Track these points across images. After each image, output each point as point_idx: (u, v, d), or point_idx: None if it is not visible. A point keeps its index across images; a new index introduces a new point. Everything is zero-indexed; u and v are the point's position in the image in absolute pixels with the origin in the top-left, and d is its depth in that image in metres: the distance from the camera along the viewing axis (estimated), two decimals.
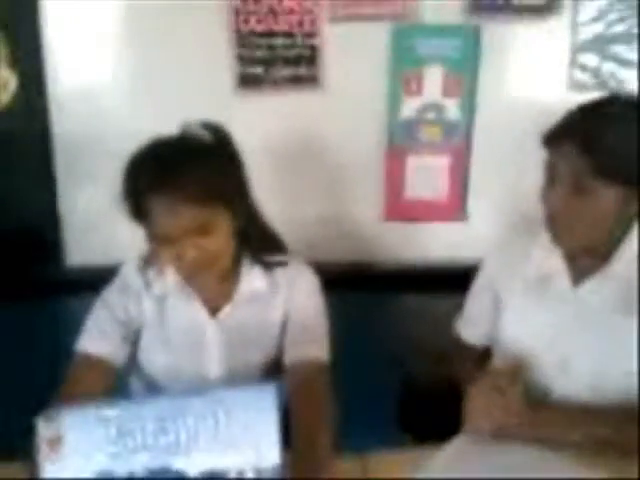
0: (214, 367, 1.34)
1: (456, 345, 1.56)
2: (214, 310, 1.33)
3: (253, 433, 0.91)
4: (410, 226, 2.07)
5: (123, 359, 1.29)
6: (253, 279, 1.33)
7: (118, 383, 1.32)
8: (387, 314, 2.00)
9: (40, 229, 1.99)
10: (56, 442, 0.87)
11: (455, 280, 1.92)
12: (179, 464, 0.90)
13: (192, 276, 1.25)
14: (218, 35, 1.87)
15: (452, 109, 1.96)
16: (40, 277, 1.98)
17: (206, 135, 1.22)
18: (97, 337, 1.27)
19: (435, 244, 2.09)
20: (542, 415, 1.21)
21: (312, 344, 1.32)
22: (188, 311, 1.32)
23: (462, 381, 1.35)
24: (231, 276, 1.32)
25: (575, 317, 1.30)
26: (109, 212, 1.89)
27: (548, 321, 1.33)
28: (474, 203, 2.08)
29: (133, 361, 1.36)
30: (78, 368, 1.25)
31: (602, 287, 1.28)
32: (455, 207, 2.06)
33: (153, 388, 1.38)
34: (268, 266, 1.34)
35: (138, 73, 1.92)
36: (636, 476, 1.09)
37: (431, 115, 1.97)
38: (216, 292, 1.33)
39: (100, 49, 1.90)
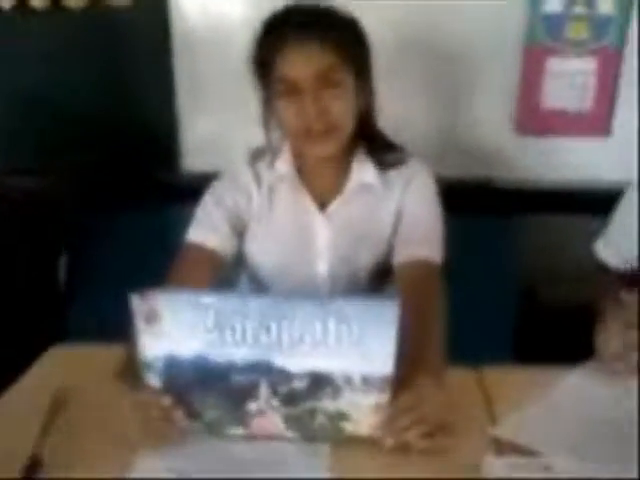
0: (322, 263, 1.30)
1: (595, 269, 1.40)
2: (323, 204, 1.29)
3: (367, 346, 0.84)
4: (545, 140, 1.86)
5: (232, 252, 1.28)
6: (365, 173, 1.27)
7: (225, 278, 1.30)
8: (515, 236, 1.83)
9: (159, 135, 1.97)
10: (152, 317, 0.84)
11: (591, 202, 1.75)
12: (280, 361, 0.85)
13: (310, 144, 1.19)
14: None
15: (605, 2, 1.70)
16: (158, 183, 1.98)
17: None
18: (206, 228, 1.26)
19: (573, 161, 1.87)
20: None
21: (424, 244, 1.24)
22: (297, 203, 1.29)
23: (600, 310, 1.21)
24: (342, 167, 1.27)
25: None
26: (228, 120, 1.92)
27: None
28: (621, 116, 1.82)
29: (241, 258, 1.34)
30: (186, 258, 1.24)
31: None
32: (600, 119, 1.82)
33: (260, 288, 1.35)
34: (382, 164, 1.27)
35: None
36: None
37: (579, 9, 1.72)
38: (326, 183, 1.28)
39: None
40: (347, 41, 1.16)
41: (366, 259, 1.30)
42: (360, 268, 1.30)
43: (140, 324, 0.85)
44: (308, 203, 1.28)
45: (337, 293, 1.30)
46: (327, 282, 1.31)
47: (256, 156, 1.32)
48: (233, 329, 0.83)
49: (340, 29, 1.16)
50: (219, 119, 1.95)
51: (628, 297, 1.11)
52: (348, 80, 1.17)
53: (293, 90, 1.14)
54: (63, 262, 1.83)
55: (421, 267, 1.22)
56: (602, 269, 1.39)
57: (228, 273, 1.34)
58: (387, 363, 0.85)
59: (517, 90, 1.82)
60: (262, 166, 1.30)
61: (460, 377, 1.09)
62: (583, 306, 1.35)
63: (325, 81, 1.13)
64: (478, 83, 1.83)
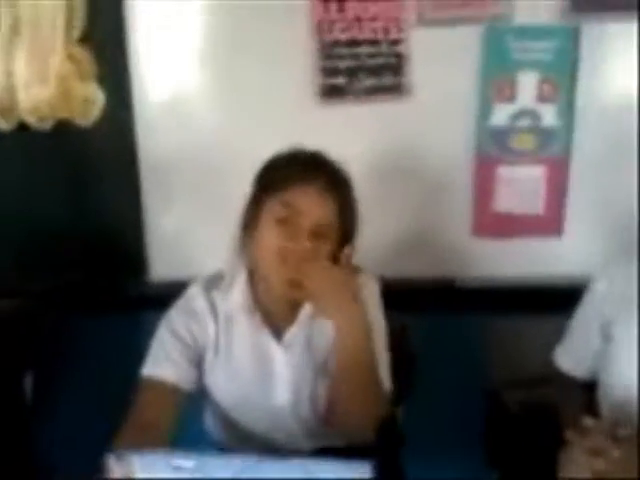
0: (282, 393, 1.29)
1: (555, 375, 1.44)
2: (278, 332, 1.29)
3: None
4: (501, 242, 1.94)
5: (193, 384, 1.26)
6: None
7: (190, 410, 1.29)
8: (474, 335, 1.89)
9: (126, 244, 2.01)
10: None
11: (548, 300, 1.81)
12: None
13: (285, 269, 1.20)
14: (301, 45, 1.83)
15: (548, 116, 1.83)
16: (125, 291, 2.00)
17: None
18: (164, 362, 1.24)
19: (528, 261, 1.95)
20: None
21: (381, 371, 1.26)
22: (254, 334, 1.29)
23: (561, 417, 1.26)
24: None
25: None
26: (194, 227, 1.97)
27: None
28: (571, 217, 1.92)
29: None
30: (145, 394, 1.22)
31: None
32: (551, 221, 1.91)
33: (225, 421, 1.34)
34: None
35: (223, 86, 1.90)
36: None
37: (525, 122, 1.84)
38: (281, 311, 1.29)
39: (185, 63, 1.90)
40: (348, 202, 1.25)
41: (326, 382, 1.29)
42: (321, 393, 1.30)
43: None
44: (265, 333, 1.28)
45: (300, 422, 1.31)
46: (289, 412, 1.30)
47: (211, 283, 1.31)
48: None
49: (345, 188, 1.26)
50: (186, 225, 1.99)
51: (590, 422, 1.11)
52: (334, 235, 1.23)
53: (293, 218, 1.19)
54: (29, 380, 1.81)
55: None
56: (562, 377, 1.43)
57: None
58: None
59: (472, 196, 1.91)
60: (217, 295, 1.29)
61: None
62: (547, 410, 1.39)
63: (321, 228, 1.20)
64: (438, 191, 1.92)
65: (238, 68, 1.86)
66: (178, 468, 0.83)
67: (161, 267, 2.04)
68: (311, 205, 1.19)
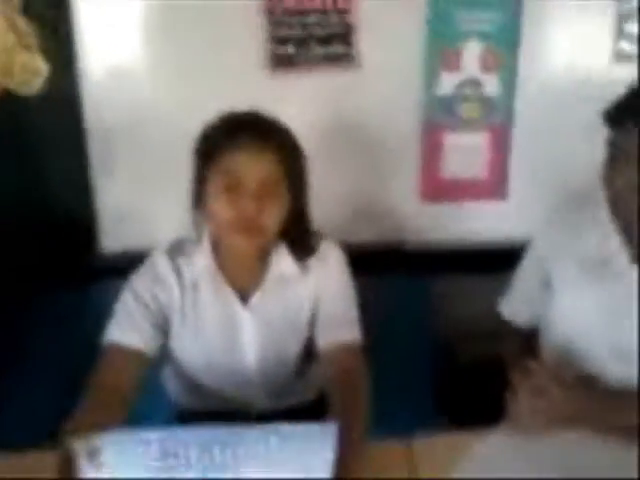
0: (249, 356, 1.34)
1: (500, 326, 1.53)
2: (245, 297, 1.32)
3: (307, 466, 0.88)
4: (448, 206, 2.02)
5: (156, 349, 1.26)
6: (283, 264, 1.32)
7: (151, 375, 1.31)
8: (424, 296, 1.96)
9: (75, 218, 1.99)
10: (94, 454, 0.85)
11: (495, 260, 1.90)
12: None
13: (239, 237, 1.21)
14: (250, 15, 1.82)
15: (491, 84, 1.89)
16: (76, 265, 1.99)
17: None
18: (127, 327, 1.24)
19: (474, 224, 2.03)
20: (592, 406, 1.18)
21: (345, 326, 1.32)
22: (219, 298, 1.31)
23: (507, 364, 1.33)
24: (262, 260, 1.31)
25: (633, 298, 1.26)
26: (144, 198, 1.96)
27: (605, 303, 1.28)
28: (515, 181, 2.01)
29: (166, 353, 1.35)
30: (108, 359, 1.21)
31: None
32: (495, 185, 2.00)
33: (189, 383, 1.38)
34: (301, 253, 1.32)
35: (170, 58, 1.88)
36: None
37: (469, 91, 1.90)
38: (246, 276, 1.31)
39: (132, 34, 1.86)
40: (289, 154, 1.23)
41: (292, 346, 1.35)
42: (287, 355, 1.35)
43: (82, 462, 0.85)
44: (231, 297, 1.30)
45: (266, 383, 1.36)
46: (256, 373, 1.35)
47: (175, 249, 1.31)
48: (177, 456, 0.85)
49: (284, 141, 1.23)
50: (135, 197, 1.99)
51: (534, 365, 1.19)
52: (285, 189, 1.22)
53: (235, 185, 1.18)
54: None
55: (345, 350, 1.29)
56: (507, 327, 1.51)
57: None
58: None
59: (419, 162, 1.97)
60: (182, 261, 1.29)
61: (387, 450, 1.15)
62: (497, 361, 1.48)
63: (266, 187, 1.19)
64: (386, 158, 1.97)
65: (186, 39, 1.84)
66: (147, 442, 0.85)
67: (112, 239, 2.03)
68: (251, 168, 1.19)
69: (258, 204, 1.18)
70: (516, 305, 1.50)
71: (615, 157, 1.18)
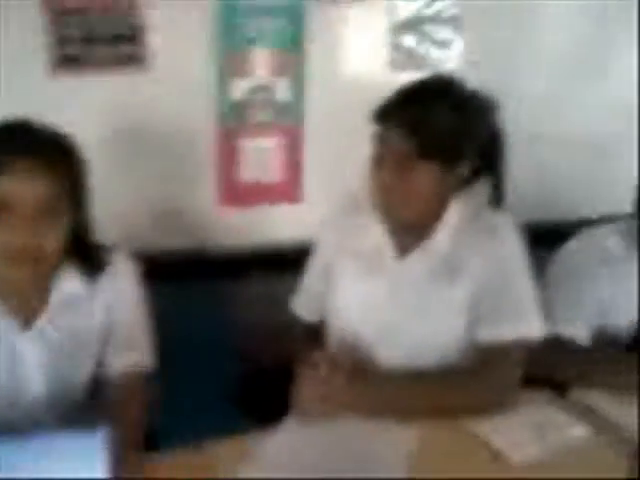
0: (35, 385, 1.25)
1: (291, 323, 1.59)
2: (29, 321, 1.22)
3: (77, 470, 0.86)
4: (246, 210, 2.04)
5: None
6: (69, 284, 1.24)
7: None
8: (226, 300, 1.98)
9: None
10: None
11: (294, 261, 1.95)
12: None
13: (12, 268, 1.12)
14: (30, 14, 1.70)
15: (281, 89, 1.95)
16: None
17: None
18: None
19: (273, 227, 2.08)
20: (368, 391, 1.26)
21: (134, 351, 1.31)
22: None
23: (294, 359, 1.37)
24: (45, 280, 1.22)
25: (398, 287, 1.37)
26: None
27: (372, 291, 1.40)
28: (310, 183, 2.08)
29: None
30: None
31: (423, 260, 1.35)
32: (290, 189, 2.06)
33: None
34: (90, 269, 1.26)
35: None
36: None
37: (260, 96, 1.94)
38: (29, 299, 1.22)
39: None
40: (68, 167, 1.14)
41: (83, 368, 1.29)
42: (78, 378, 1.29)
43: None
44: (10, 323, 1.21)
45: (55, 414, 1.28)
46: (43, 404, 1.26)
47: None
48: None
49: (60, 154, 1.14)
50: None
51: (318, 355, 1.27)
52: (64, 206, 1.13)
53: (5, 209, 1.07)
54: None
55: (131, 375, 1.29)
56: (296, 322, 1.58)
57: None
58: None
59: (215, 167, 1.98)
60: None
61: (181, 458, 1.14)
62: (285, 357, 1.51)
63: (41, 209, 1.09)
64: (182, 165, 1.95)
65: None
66: None
67: None
68: (23, 189, 1.07)
69: (33, 232, 1.08)
70: (304, 301, 1.58)
71: (379, 156, 1.29)
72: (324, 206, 2.03)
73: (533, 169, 2.15)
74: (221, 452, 1.16)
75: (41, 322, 1.23)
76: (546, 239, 1.56)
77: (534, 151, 2.14)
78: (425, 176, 1.25)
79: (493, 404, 1.25)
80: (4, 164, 1.07)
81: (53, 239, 1.12)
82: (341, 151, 2.04)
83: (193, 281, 1.90)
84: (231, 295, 1.98)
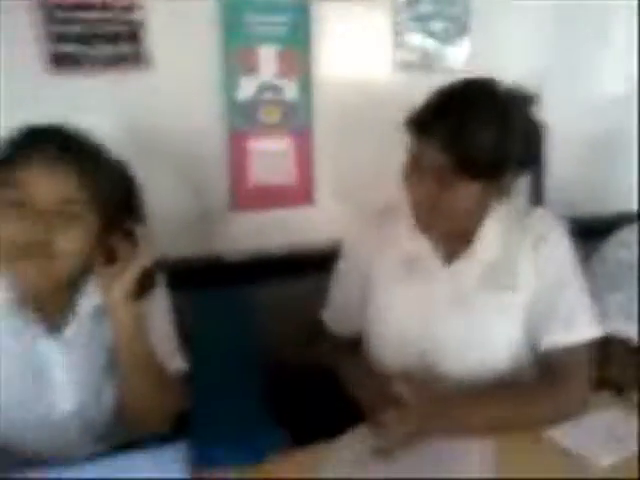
0: (64, 400, 1.14)
1: (319, 334, 1.53)
2: (58, 329, 1.14)
3: None
4: (259, 213, 1.94)
5: None
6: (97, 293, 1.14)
7: None
8: (244, 306, 1.86)
9: None
10: None
11: (310, 264, 1.87)
12: None
13: (27, 270, 1.04)
14: (25, 10, 1.59)
15: (289, 89, 1.86)
16: None
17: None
18: None
19: (286, 230, 1.98)
20: (444, 412, 1.17)
21: (170, 357, 1.24)
22: (23, 333, 1.10)
23: (334, 369, 1.36)
24: (76, 285, 1.15)
25: (451, 294, 1.30)
26: None
27: (423, 297, 1.32)
28: (320, 186, 1.99)
29: None
30: None
31: (472, 266, 1.29)
32: (302, 191, 1.97)
33: None
34: None
35: None
36: None
37: (268, 95, 1.85)
38: (58, 304, 1.14)
39: None
40: (92, 173, 1.10)
41: (110, 385, 1.19)
42: (109, 396, 1.19)
43: None
44: (37, 330, 1.12)
45: (85, 429, 1.18)
46: (73, 420, 1.16)
47: None
48: None
49: (85, 158, 1.10)
50: None
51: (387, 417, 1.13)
52: (87, 211, 1.09)
53: (20, 203, 1.03)
54: None
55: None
56: (332, 336, 1.50)
57: None
58: None
59: (227, 171, 1.87)
60: None
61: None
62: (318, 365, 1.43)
63: (57, 208, 1.05)
64: (193, 167, 1.84)
65: None
66: None
67: None
68: (40, 186, 1.04)
69: (46, 226, 1.03)
70: (336, 316, 1.50)
71: (415, 165, 1.21)
72: (337, 208, 1.98)
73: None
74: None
75: (70, 330, 1.14)
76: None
77: None
78: (466, 193, 1.18)
79: (570, 414, 1.20)
80: (25, 160, 1.05)
81: (67, 240, 1.06)
82: (350, 151, 1.97)
83: (210, 288, 1.77)
84: (250, 301, 1.87)
